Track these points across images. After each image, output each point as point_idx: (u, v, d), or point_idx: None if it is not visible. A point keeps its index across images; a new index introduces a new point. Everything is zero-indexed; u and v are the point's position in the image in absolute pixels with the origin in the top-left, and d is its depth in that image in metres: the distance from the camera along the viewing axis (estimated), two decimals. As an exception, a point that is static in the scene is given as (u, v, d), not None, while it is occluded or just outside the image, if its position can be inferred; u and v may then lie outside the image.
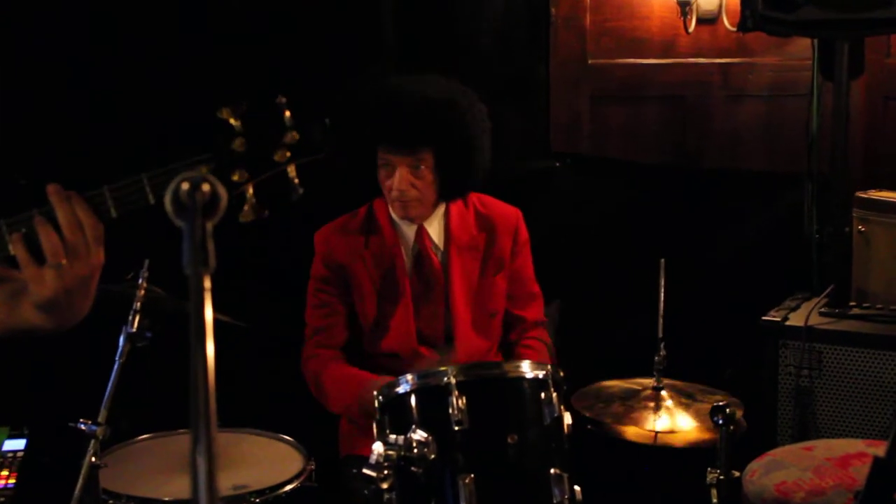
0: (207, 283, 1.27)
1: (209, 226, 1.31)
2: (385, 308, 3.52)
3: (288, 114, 1.83)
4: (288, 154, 1.82)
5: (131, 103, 4.18)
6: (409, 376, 2.85)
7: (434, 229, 3.51)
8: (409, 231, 3.50)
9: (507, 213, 3.61)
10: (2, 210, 1.85)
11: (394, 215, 3.51)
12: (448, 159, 3.37)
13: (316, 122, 1.85)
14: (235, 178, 1.80)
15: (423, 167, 3.34)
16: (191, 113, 2.03)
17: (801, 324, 3.83)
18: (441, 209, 3.52)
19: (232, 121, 1.80)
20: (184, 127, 1.51)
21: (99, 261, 1.80)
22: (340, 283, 3.54)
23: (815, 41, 4.17)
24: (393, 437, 2.75)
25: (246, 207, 1.81)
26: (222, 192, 1.32)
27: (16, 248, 1.79)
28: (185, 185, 1.31)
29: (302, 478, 3.08)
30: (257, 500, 2.96)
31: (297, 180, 1.84)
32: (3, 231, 1.80)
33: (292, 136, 1.82)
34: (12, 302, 1.85)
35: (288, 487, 3.03)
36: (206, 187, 1.31)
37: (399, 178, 3.33)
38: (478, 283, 3.51)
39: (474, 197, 3.60)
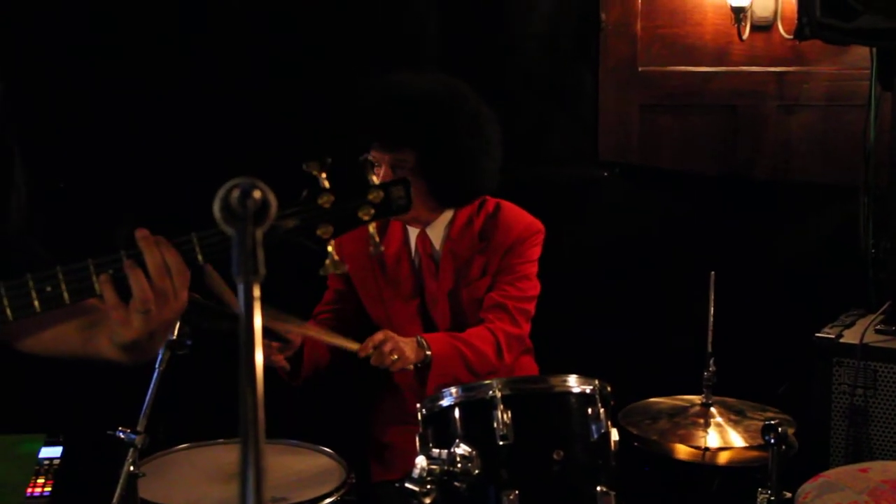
0: (257, 292, 1.27)
1: (259, 233, 1.29)
2: (393, 310, 3.50)
3: (375, 178, 1.91)
4: (372, 212, 1.89)
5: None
6: (452, 389, 2.82)
7: (435, 235, 3.45)
8: (414, 235, 3.45)
9: (518, 222, 3.46)
10: (44, 214, 1.86)
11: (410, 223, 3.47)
12: (431, 162, 3.25)
13: (400, 182, 1.92)
14: (320, 233, 1.86)
15: (405, 168, 3.23)
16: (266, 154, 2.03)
17: (856, 341, 3.74)
18: (448, 215, 3.44)
19: (317, 173, 1.87)
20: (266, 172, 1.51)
21: (183, 304, 1.82)
22: (346, 285, 3.55)
23: (874, 50, 4.09)
24: (436, 451, 2.72)
25: (327, 262, 1.88)
26: (272, 199, 1.31)
27: (104, 289, 1.81)
28: (236, 192, 1.29)
29: (342, 492, 3.02)
30: (296, 513, 2.90)
31: (377, 238, 1.93)
32: (90, 270, 1.82)
33: (378, 194, 1.89)
34: (91, 332, 1.91)
35: (327, 501, 2.97)
36: (257, 194, 1.30)
37: (381, 177, 3.20)
38: (464, 289, 3.43)
39: (491, 204, 3.49)
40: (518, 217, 3.48)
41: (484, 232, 3.44)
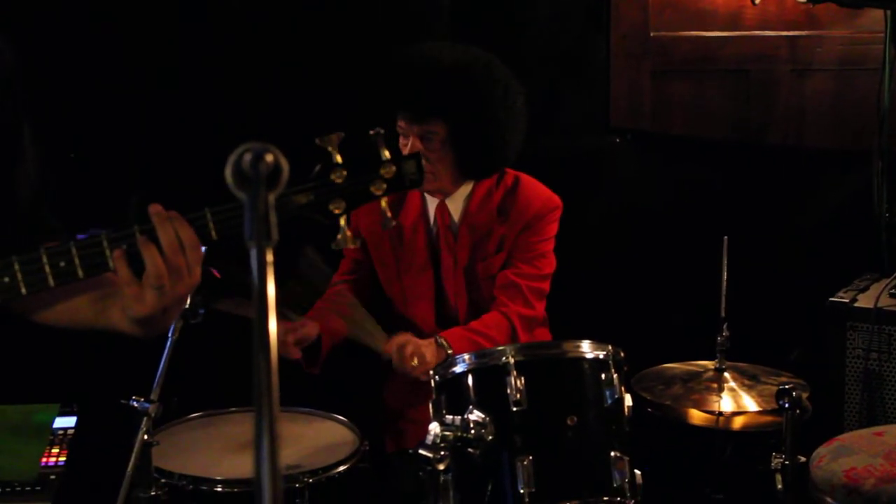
0: (270, 257, 1.25)
1: (271, 198, 1.28)
2: (407, 282, 3.51)
3: (387, 152, 1.90)
4: (384, 187, 1.89)
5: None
6: (465, 356, 2.81)
7: (454, 207, 3.44)
8: (433, 206, 3.45)
9: (537, 198, 3.46)
10: (58, 186, 1.86)
11: (430, 195, 3.46)
12: (462, 135, 3.26)
13: (413, 156, 1.93)
14: (333, 208, 1.86)
15: (434, 140, 3.26)
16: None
17: (870, 305, 3.72)
18: (468, 188, 3.43)
19: (330, 149, 1.87)
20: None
21: (196, 280, 1.83)
22: (363, 255, 3.55)
23: (888, 12, 4.04)
24: (449, 417, 2.72)
25: (339, 237, 1.88)
26: (284, 163, 1.29)
27: (118, 265, 1.81)
28: (248, 156, 1.28)
29: (355, 459, 3.02)
30: (310, 481, 2.90)
31: (389, 213, 1.92)
32: (104, 246, 1.82)
33: (390, 169, 1.89)
34: (104, 304, 1.91)
35: (341, 468, 2.98)
36: (269, 158, 1.28)
37: (410, 148, 3.24)
38: (480, 264, 3.43)
39: (510, 177, 3.48)
40: (537, 192, 3.47)
41: (503, 206, 3.43)
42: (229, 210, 1.83)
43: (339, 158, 1.87)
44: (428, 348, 3.20)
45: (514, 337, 3.34)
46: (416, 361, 3.15)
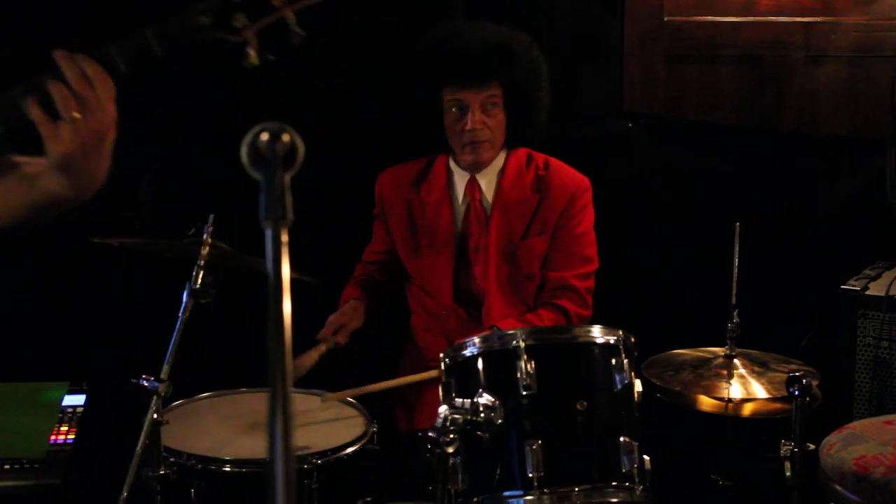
0: (285, 237, 1.26)
1: (287, 178, 1.28)
2: (426, 258, 3.55)
3: None
4: None
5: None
6: (476, 339, 2.81)
7: (486, 183, 3.50)
8: (462, 182, 3.48)
9: (571, 179, 3.54)
10: None
11: (456, 165, 3.53)
12: (515, 95, 3.40)
13: None
14: (237, 23, 1.88)
15: (496, 105, 3.39)
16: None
17: (881, 293, 3.72)
18: (499, 163, 3.48)
19: None
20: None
21: (112, 117, 1.86)
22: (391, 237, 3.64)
23: (904, -1, 4.03)
24: (459, 400, 2.71)
25: (251, 52, 1.89)
26: (300, 143, 1.30)
27: (32, 110, 1.84)
28: (265, 136, 1.28)
29: (364, 440, 3.03)
30: (319, 462, 2.91)
31: (296, 23, 1.91)
32: (17, 98, 1.86)
33: None
34: (29, 179, 1.91)
35: (350, 450, 2.98)
36: (286, 138, 1.29)
37: (473, 117, 3.36)
38: (519, 243, 3.45)
39: (540, 159, 3.56)
40: (570, 172, 3.57)
41: (537, 185, 3.51)
42: (133, 41, 1.88)
43: None
44: None
45: None
46: None
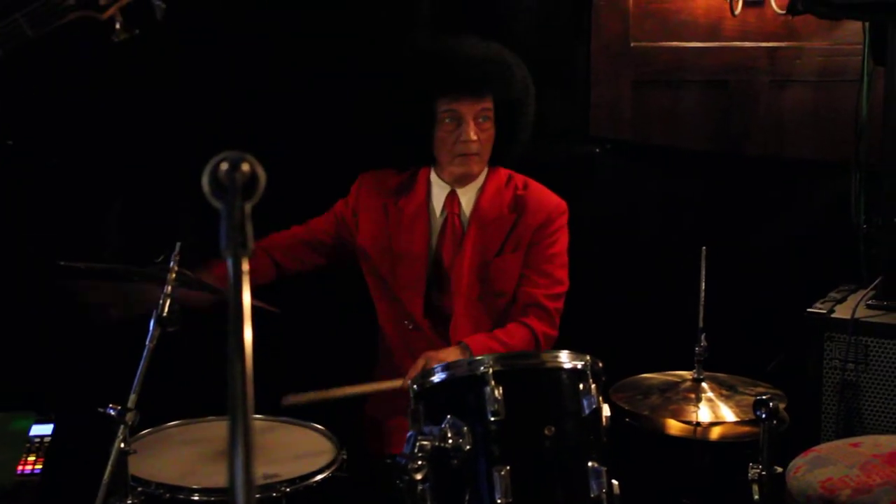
0: (246, 267, 1.26)
1: (248, 208, 1.29)
2: (400, 268, 3.53)
3: None
4: None
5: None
6: (444, 364, 2.82)
7: (466, 198, 3.53)
8: (442, 195, 3.50)
9: (549, 200, 3.58)
10: None
11: (437, 178, 3.55)
12: (506, 110, 3.45)
13: None
14: (101, 2, 2.02)
15: (487, 118, 3.42)
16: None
17: (847, 316, 3.73)
18: (480, 179, 3.50)
19: None
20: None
21: None
22: (341, 231, 3.64)
23: (866, 25, 4.06)
24: (427, 427, 2.71)
25: (117, 27, 2.03)
26: (261, 172, 1.30)
27: None
28: (224, 165, 1.29)
29: (333, 468, 3.02)
30: (287, 490, 2.89)
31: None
32: None
33: None
34: None
35: (319, 477, 2.97)
36: (245, 167, 1.29)
37: (469, 129, 3.39)
38: (492, 260, 3.47)
39: (520, 180, 3.59)
40: (548, 194, 3.60)
41: (514, 204, 3.54)
42: (6, 25, 1.97)
43: None
44: (451, 354, 3.27)
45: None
46: None
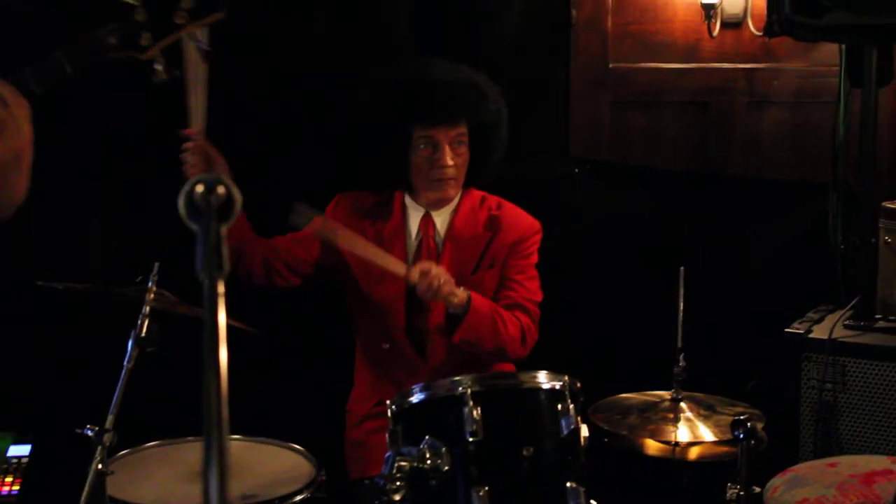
0: (221, 288, 1.27)
1: (223, 229, 1.29)
2: (377, 292, 3.51)
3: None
4: (186, 16, 2.03)
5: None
6: (422, 385, 2.82)
7: (441, 220, 3.54)
8: (417, 217, 3.50)
9: (523, 220, 3.59)
10: None
11: (412, 201, 3.55)
12: (480, 134, 3.46)
13: None
14: (143, 42, 1.99)
15: (462, 143, 3.43)
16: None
17: (824, 336, 3.75)
18: (454, 202, 3.52)
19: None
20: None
21: (28, 137, 1.88)
22: (324, 247, 3.56)
23: (843, 47, 4.10)
24: (406, 447, 2.70)
25: (158, 68, 2.02)
26: (237, 194, 1.31)
27: None
28: (200, 188, 1.30)
29: (311, 489, 3.01)
30: (266, 511, 2.89)
31: (201, 38, 2.09)
32: None
33: (188, 1, 2.03)
34: None
35: (297, 498, 2.96)
36: (221, 189, 1.30)
37: (446, 155, 3.39)
38: (469, 277, 3.47)
39: (493, 201, 3.60)
40: (522, 214, 3.61)
41: (489, 224, 3.55)
42: (46, 62, 1.96)
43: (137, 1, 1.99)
44: (457, 291, 3.30)
45: (522, 341, 3.44)
46: (443, 278, 3.25)
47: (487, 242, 3.52)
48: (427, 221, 3.53)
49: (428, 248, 3.51)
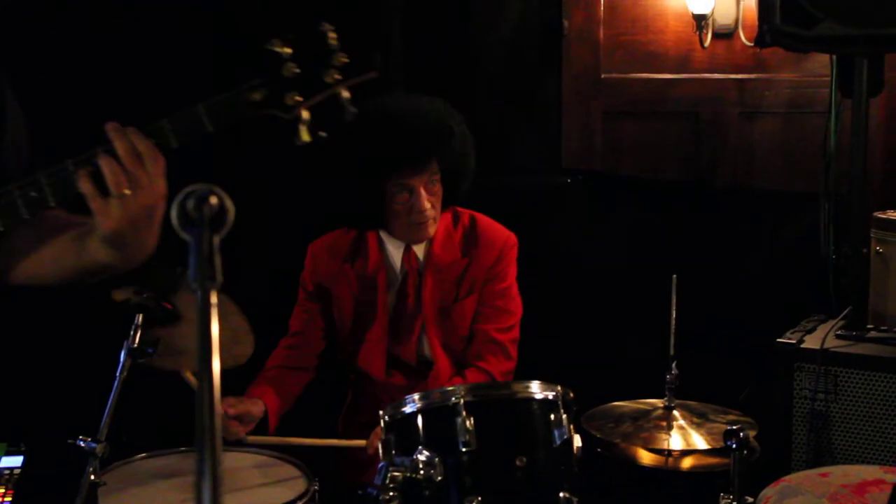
0: (214, 299, 1.27)
1: (216, 240, 1.30)
2: (359, 331, 3.53)
3: (334, 37, 1.91)
4: (338, 76, 1.90)
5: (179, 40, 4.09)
6: (415, 395, 2.81)
7: (420, 250, 3.50)
8: (397, 253, 3.49)
9: (498, 236, 3.57)
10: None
11: (389, 236, 3.52)
12: (451, 168, 3.43)
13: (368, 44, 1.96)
14: (289, 101, 1.88)
15: (435, 182, 3.40)
16: (241, 45, 2.09)
17: (816, 346, 3.75)
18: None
19: (279, 48, 1.89)
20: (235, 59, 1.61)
21: (162, 192, 1.87)
22: (322, 299, 3.58)
23: (834, 57, 4.11)
24: (399, 457, 2.70)
25: (302, 128, 1.88)
26: (229, 204, 1.31)
27: (83, 184, 1.87)
28: (192, 199, 1.30)
29: (305, 499, 3.01)
30: (259, 521, 2.89)
31: (349, 101, 1.92)
32: (69, 170, 1.88)
33: (341, 58, 1.91)
34: (80, 243, 1.96)
35: (291, 509, 2.96)
36: (213, 200, 1.30)
37: (422, 199, 3.36)
38: (452, 305, 3.48)
39: (465, 216, 3.59)
40: (495, 229, 3.58)
41: (465, 246, 3.53)
42: (185, 116, 1.88)
43: (287, 51, 1.89)
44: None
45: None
46: None
47: (464, 268, 3.50)
48: (409, 255, 3.50)
49: (413, 280, 3.50)
